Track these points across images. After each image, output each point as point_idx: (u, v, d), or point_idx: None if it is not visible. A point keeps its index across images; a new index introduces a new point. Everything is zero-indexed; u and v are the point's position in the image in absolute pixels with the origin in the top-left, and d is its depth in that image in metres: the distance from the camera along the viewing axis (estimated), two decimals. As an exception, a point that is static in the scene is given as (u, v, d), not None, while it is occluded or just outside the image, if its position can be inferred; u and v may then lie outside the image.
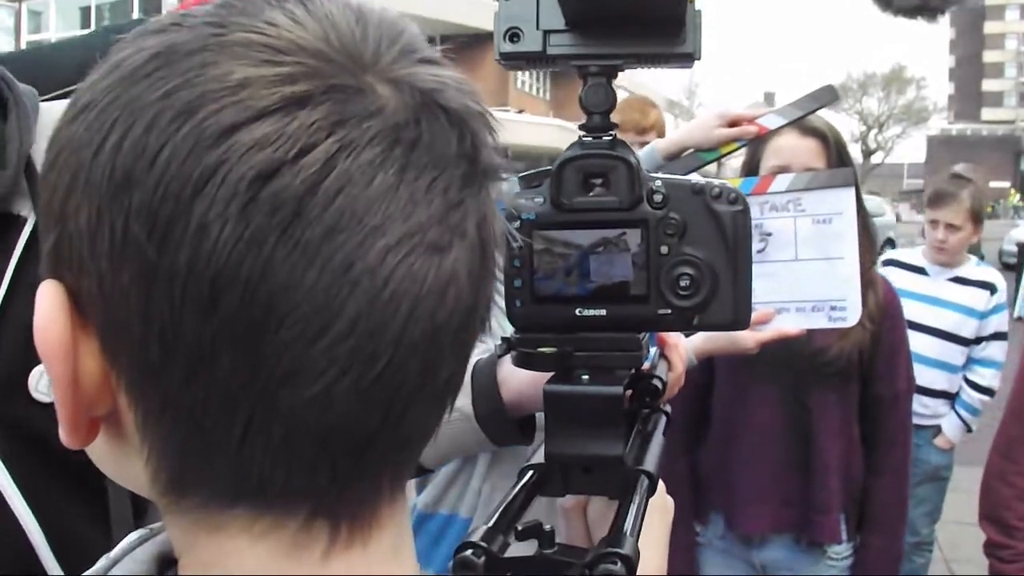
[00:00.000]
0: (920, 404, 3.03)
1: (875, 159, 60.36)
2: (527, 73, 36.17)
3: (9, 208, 0.82)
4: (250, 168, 0.32)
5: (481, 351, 0.99)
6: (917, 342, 2.82)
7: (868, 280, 1.82)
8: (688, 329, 0.61)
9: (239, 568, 0.37)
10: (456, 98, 0.37)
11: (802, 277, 1.66)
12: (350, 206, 0.33)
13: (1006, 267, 16.14)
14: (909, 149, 65.95)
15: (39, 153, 0.70)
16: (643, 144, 2.92)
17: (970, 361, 3.13)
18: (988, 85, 74.26)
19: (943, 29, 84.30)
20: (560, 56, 0.58)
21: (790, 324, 1.69)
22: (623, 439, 0.57)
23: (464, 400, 0.94)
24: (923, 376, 2.94)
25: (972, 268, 3.20)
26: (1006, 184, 52.51)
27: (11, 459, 0.73)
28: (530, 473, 0.58)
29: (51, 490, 0.76)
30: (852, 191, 1.68)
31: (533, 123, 29.03)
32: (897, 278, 2.91)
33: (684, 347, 1.10)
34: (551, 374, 0.59)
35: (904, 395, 2.05)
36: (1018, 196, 43.39)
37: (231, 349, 0.33)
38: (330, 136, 0.33)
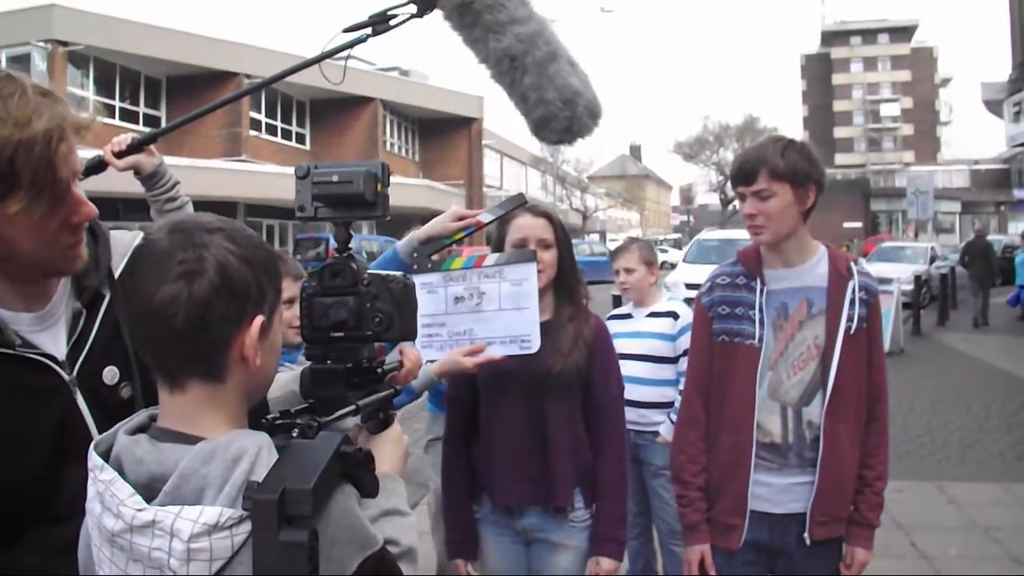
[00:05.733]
0: (638, 415, 3.86)
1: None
2: (395, 135, 36.14)
3: (101, 290, 1.56)
4: None
5: None
6: (632, 368, 3.78)
7: (584, 318, 2.66)
8: (378, 341, 1.42)
9: None
10: None
11: (503, 321, 2.42)
12: None
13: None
14: (769, 195, 68.48)
15: (114, 261, 1.58)
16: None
17: (678, 375, 3.78)
18: (839, 132, 78.54)
19: (795, 82, 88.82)
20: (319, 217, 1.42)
21: (495, 352, 2.42)
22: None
23: None
24: (639, 392, 3.84)
25: (663, 303, 4.07)
26: (858, 224, 55.24)
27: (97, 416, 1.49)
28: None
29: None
30: (534, 265, 2.44)
31: (403, 184, 28.78)
32: (613, 325, 3.82)
33: (414, 355, 1.65)
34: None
35: (616, 398, 2.72)
36: None
37: None
38: None
